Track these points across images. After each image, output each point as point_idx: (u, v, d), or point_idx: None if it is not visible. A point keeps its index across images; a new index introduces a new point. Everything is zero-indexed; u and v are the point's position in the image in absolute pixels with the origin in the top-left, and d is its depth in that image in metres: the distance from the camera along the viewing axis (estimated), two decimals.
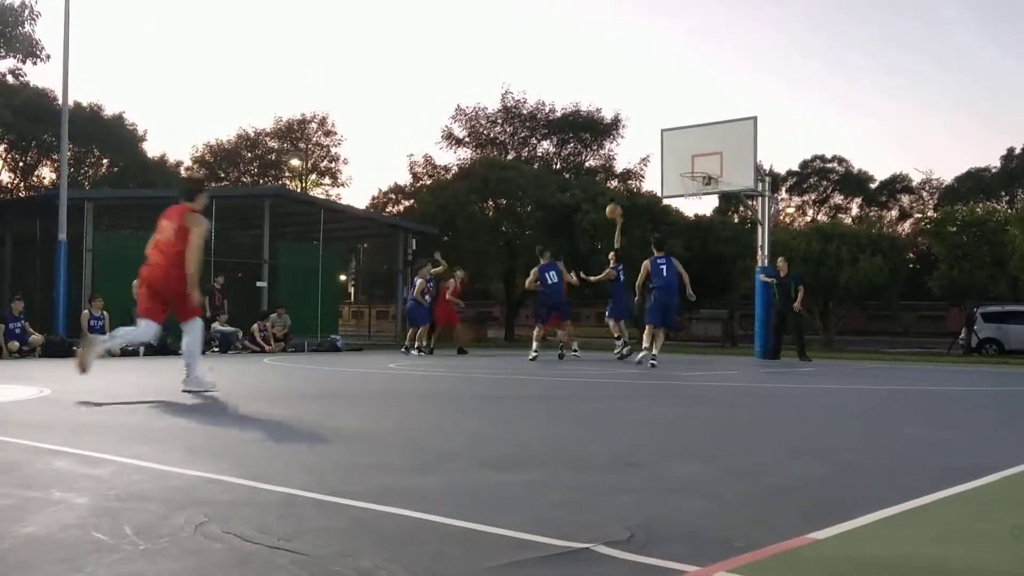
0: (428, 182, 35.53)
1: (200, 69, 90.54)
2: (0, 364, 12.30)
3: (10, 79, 25.03)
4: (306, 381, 9.31)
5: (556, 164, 36.74)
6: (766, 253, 17.90)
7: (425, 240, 26.17)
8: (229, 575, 2.06)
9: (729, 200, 31.28)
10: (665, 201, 23.68)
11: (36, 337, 15.04)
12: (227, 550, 2.26)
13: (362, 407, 6.64)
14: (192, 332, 7.14)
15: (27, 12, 22.50)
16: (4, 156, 33.57)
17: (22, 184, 34.01)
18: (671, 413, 6.50)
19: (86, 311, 16.03)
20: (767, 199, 19.08)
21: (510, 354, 17.69)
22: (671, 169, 18.97)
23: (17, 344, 14.51)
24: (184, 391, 6.99)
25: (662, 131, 19.52)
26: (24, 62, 24.02)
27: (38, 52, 23.44)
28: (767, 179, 19.63)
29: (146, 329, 7.01)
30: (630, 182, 36.03)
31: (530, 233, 27.51)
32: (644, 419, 5.99)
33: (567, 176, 34.18)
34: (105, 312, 15.98)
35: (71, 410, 5.89)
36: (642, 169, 36.34)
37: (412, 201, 35.73)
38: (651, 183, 40.90)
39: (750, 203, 21.00)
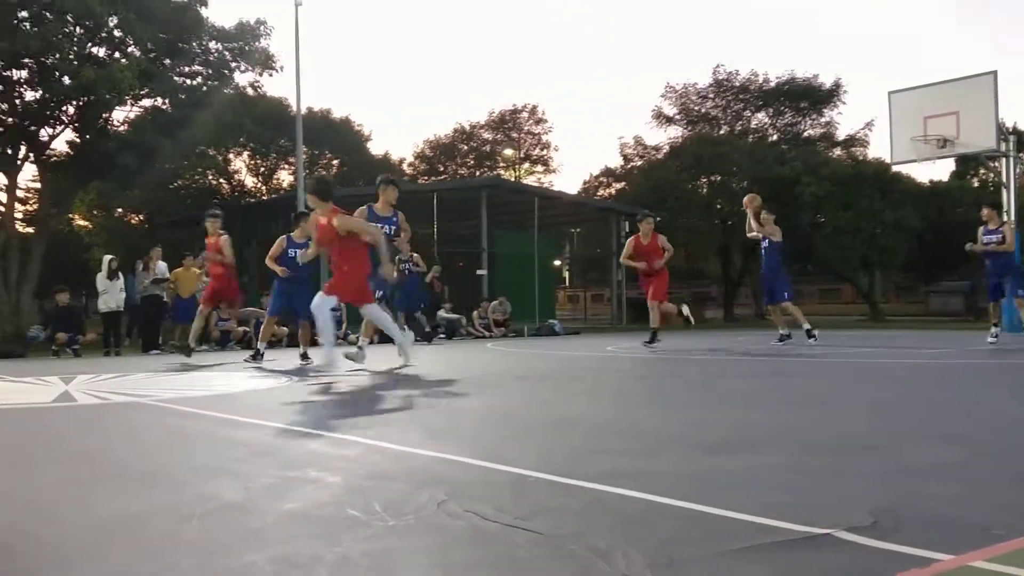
0: (639, 163, 35.29)
1: (418, 69, 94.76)
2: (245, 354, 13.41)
3: (250, 91, 27.21)
4: (529, 365, 9.53)
5: (772, 136, 35.36)
6: (1013, 219, 16.38)
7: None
8: (471, 551, 2.15)
9: (968, 163, 28.88)
10: (895, 168, 22.28)
11: (281, 330, 16.32)
12: (467, 527, 2.36)
13: (584, 390, 6.71)
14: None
15: (262, 28, 24.36)
16: (247, 163, 36.60)
17: (264, 187, 36.95)
18: (904, 393, 6.11)
19: None
20: (1012, 159, 17.46)
21: (728, 335, 17.24)
22: (901, 133, 17.82)
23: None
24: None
25: (889, 93, 18.34)
26: (261, 75, 26.03)
27: (273, 64, 25.34)
28: (1012, 138, 17.95)
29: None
30: (854, 149, 34.06)
31: (742, 211, 26.67)
32: (875, 400, 5.66)
33: (784, 148, 32.81)
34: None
35: (318, 396, 6.36)
36: (867, 135, 34.27)
37: (623, 183, 35.63)
38: (878, 149, 38.48)
39: (992, 165, 19.31)
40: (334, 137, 35.82)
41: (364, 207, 8.82)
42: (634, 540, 2.18)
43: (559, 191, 33.21)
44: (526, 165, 49.41)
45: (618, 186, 36.88)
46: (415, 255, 15.68)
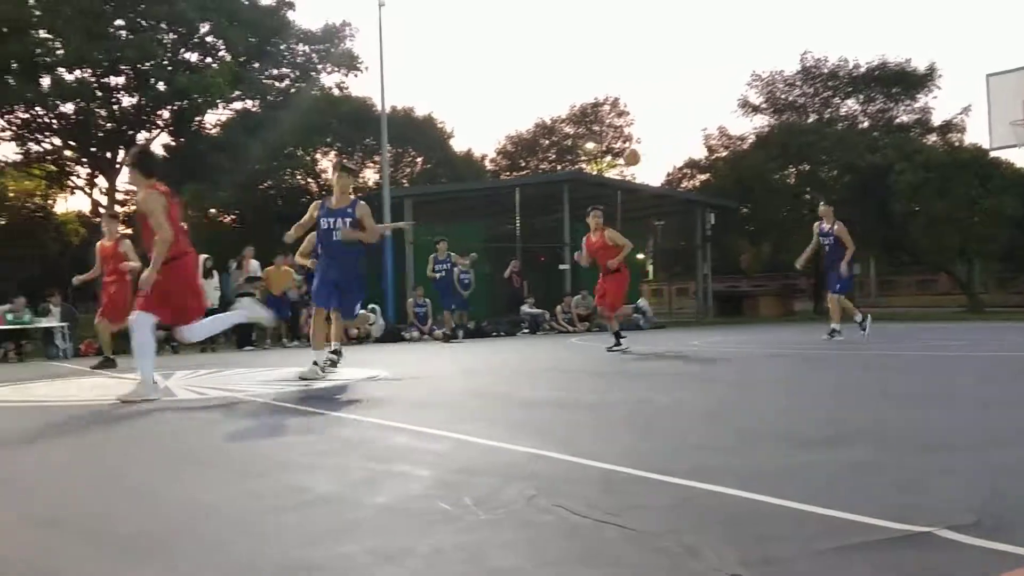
0: (724, 154, 34.71)
1: (499, 65, 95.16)
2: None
3: (335, 91, 27.78)
4: (613, 360, 9.49)
5: (863, 123, 34.33)
6: None
7: (723, 214, 25.58)
8: (562, 546, 2.16)
9: None
10: (993, 153, 21.44)
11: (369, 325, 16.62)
12: (557, 522, 2.37)
13: (671, 384, 6.65)
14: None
15: (348, 30, 24.85)
16: (334, 161, 37.28)
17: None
18: (1005, 389, 5.87)
19: (411, 299, 17.45)
20: None
21: (817, 327, 16.88)
22: (1000, 117, 17.13)
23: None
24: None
25: (987, 76, 17.63)
26: (347, 75, 26.57)
27: (358, 65, 25.84)
28: None
29: None
30: (950, 135, 32.83)
31: (835, 199, 26.04)
32: (973, 395, 5.46)
33: (876, 135, 31.84)
34: (427, 300, 17.29)
35: (405, 390, 6.46)
36: (963, 120, 32.97)
37: (708, 175, 35.10)
38: (975, 135, 37.03)
39: None
40: (417, 135, 36.22)
41: (317, 201, 7.78)
42: (726, 537, 2.16)
43: (641, 183, 32.93)
44: (608, 158, 49.16)
45: (702, 177, 36.33)
46: (453, 254, 15.76)
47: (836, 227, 11.46)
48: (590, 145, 47.90)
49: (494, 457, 3.41)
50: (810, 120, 33.47)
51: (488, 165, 45.64)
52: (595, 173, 41.63)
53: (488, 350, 12.15)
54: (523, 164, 47.64)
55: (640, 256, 33.58)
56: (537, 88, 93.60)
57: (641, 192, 26.65)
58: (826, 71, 33.85)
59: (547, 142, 48.68)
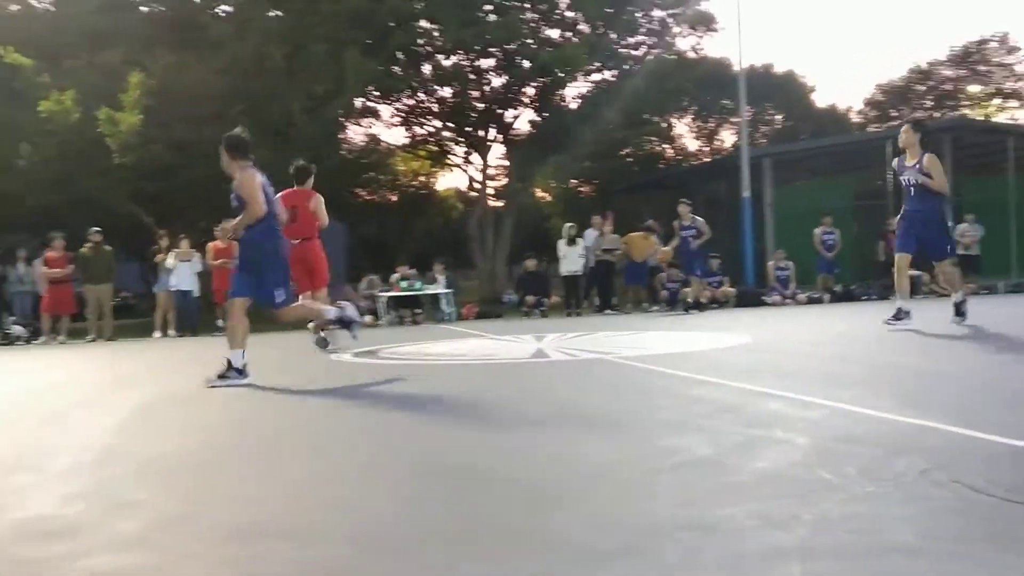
0: None
1: (865, 11, 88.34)
2: (704, 315, 13.70)
3: (691, 54, 27.59)
4: (1007, 324, 8.48)
5: None
6: None
7: None
8: (959, 524, 2.00)
9: None
10: None
11: (728, 290, 16.42)
12: (954, 498, 2.19)
13: None
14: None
15: None
16: (690, 126, 37.16)
17: (707, 149, 37.27)
18: None
19: (771, 263, 16.96)
20: None
21: None
22: None
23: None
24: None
25: None
26: (702, 37, 26.29)
27: (714, 25, 25.47)
28: None
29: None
30: None
31: None
32: None
33: None
34: (790, 262, 16.71)
35: (769, 355, 6.31)
36: None
37: None
38: None
39: None
40: (776, 93, 34.92)
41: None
42: None
43: None
44: (995, 101, 43.75)
45: None
46: (698, 219, 14.19)
47: None
48: (974, 88, 42.99)
49: (876, 427, 3.23)
50: None
51: (854, 117, 42.78)
52: (982, 119, 37.30)
53: (858, 314, 11.44)
54: (894, 114, 43.98)
55: None
56: (910, 32, 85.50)
57: None
58: None
59: (923, 88, 44.48)
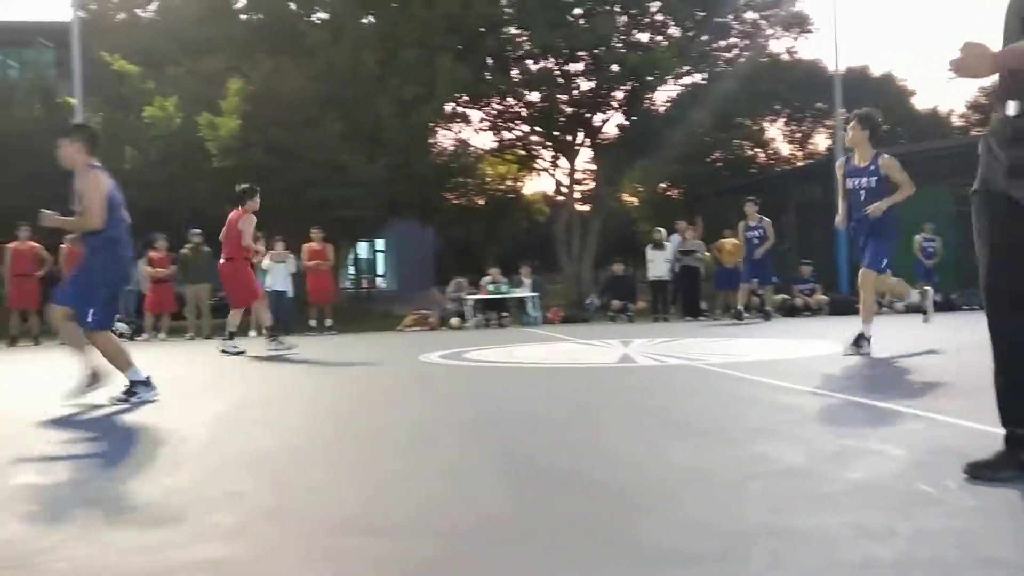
0: None
1: (967, 12, 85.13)
2: (790, 322, 13.41)
3: (785, 57, 27.04)
4: None
5: None
6: None
7: None
8: None
9: None
10: None
11: (821, 297, 16.03)
12: None
13: None
14: None
15: None
16: (783, 129, 36.40)
17: (799, 153, 36.46)
18: None
19: None
20: None
21: None
22: None
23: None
24: None
25: None
26: (796, 38, 25.75)
27: (808, 26, 24.91)
28: None
29: None
30: None
31: None
32: None
33: None
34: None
35: (865, 365, 6.14)
36: None
37: None
38: None
39: None
40: (873, 95, 33.83)
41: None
42: None
43: None
44: None
45: None
46: (765, 219, 13.56)
47: None
48: None
49: (977, 440, 3.11)
50: None
51: (956, 121, 41.26)
52: None
53: (957, 324, 11.03)
54: None
55: None
56: None
57: None
58: None
59: None
